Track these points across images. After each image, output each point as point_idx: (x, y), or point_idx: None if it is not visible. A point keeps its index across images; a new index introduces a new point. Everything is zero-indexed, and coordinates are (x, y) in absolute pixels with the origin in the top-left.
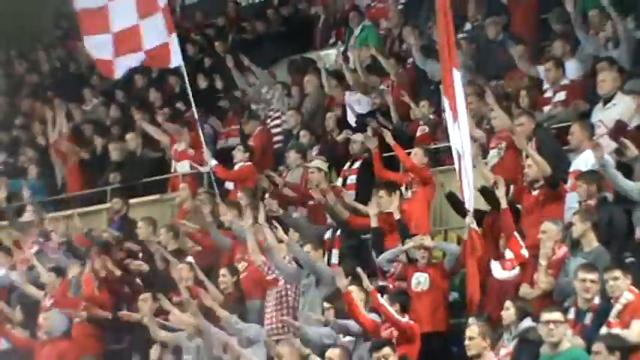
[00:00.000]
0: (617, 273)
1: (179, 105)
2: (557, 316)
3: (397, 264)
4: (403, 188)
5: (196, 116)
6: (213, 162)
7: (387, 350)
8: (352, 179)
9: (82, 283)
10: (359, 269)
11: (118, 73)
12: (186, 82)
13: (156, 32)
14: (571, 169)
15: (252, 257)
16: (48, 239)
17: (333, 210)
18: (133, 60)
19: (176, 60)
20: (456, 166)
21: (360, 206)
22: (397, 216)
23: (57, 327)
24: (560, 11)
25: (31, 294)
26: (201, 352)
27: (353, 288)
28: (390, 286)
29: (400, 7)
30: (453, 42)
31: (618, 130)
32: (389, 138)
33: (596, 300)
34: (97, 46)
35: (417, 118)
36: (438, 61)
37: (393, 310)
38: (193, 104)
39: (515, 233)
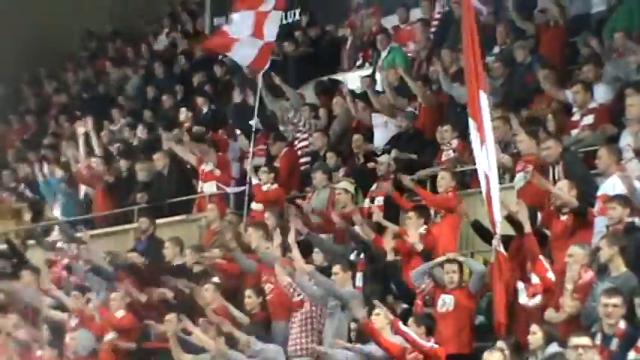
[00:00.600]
0: None
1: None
2: (585, 340)
3: (428, 282)
4: (432, 213)
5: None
6: (256, 180)
7: None
8: (379, 200)
9: (108, 307)
10: (376, 302)
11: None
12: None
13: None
14: (599, 194)
15: (279, 279)
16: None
17: (355, 235)
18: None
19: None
20: (483, 188)
21: (388, 224)
22: (419, 247)
23: (84, 347)
24: (588, 35)
25: (55, 317)
26: None
27: (379, 311)
28: (420, 302)
29: (433, 29)
30: (480, 65)
31: None
32: (407, 181)
33: (622, 325)
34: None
35: (443, 141)
36: (463, 85)
37: (416, 336)
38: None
39: (541, 257)
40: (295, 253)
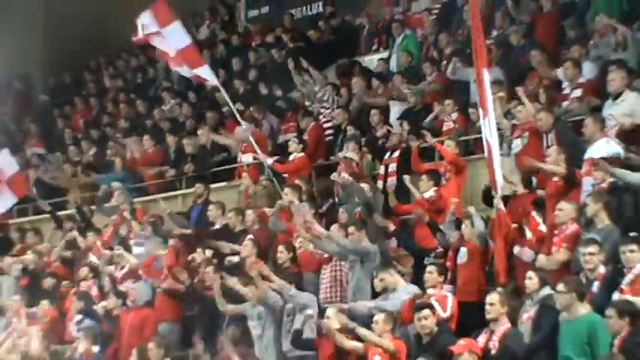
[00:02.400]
0: (633, 246)
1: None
2: (563, 287)
3: (456, 233)
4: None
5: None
6: (270, 160)
7: (426, 312)
8: (393, 167)
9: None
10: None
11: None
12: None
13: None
14: (585, 157)
15: (303, 245)
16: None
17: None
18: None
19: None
20: (486, 153)
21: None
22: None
23: (142, 296)
24: (575, 19)
25: (109, 271)
26: (263, 318)
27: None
28: (451, 254)
29: (433, 17)
30: (484, 45)
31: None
32: (430, 138)
33: (602, 270)
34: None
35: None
36: (468, 65)
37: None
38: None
39: (533, 213)
40: (316, 225)
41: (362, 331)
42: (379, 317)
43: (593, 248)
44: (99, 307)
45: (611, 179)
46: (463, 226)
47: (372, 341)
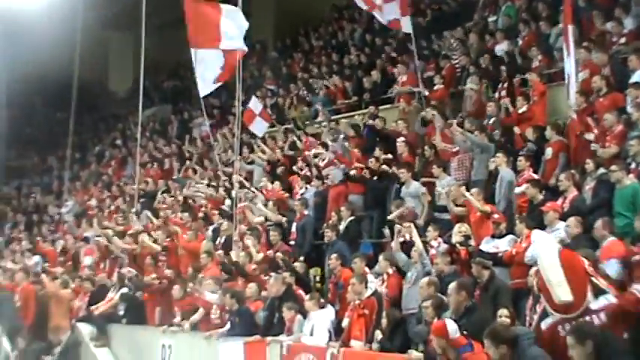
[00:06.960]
0: None
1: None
2: (615, 167)
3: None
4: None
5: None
6: (426, 92)
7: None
8: (504, 93)
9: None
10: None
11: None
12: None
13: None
14: (630, 82)
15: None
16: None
17: None
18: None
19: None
20: (566, 80)
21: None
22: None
23: (336, 178)
24: None
25: (315, 162)
26: (417, 196)
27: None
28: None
29: None
30: (569, 9)
31: None
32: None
33: None
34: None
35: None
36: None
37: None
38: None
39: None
40: (455, 126)
41: (467, 195)
42: (474, 190)
43: (635, 141)
44: (308, 187)
45: None
46: (548, 135)
47: (473, 204)
